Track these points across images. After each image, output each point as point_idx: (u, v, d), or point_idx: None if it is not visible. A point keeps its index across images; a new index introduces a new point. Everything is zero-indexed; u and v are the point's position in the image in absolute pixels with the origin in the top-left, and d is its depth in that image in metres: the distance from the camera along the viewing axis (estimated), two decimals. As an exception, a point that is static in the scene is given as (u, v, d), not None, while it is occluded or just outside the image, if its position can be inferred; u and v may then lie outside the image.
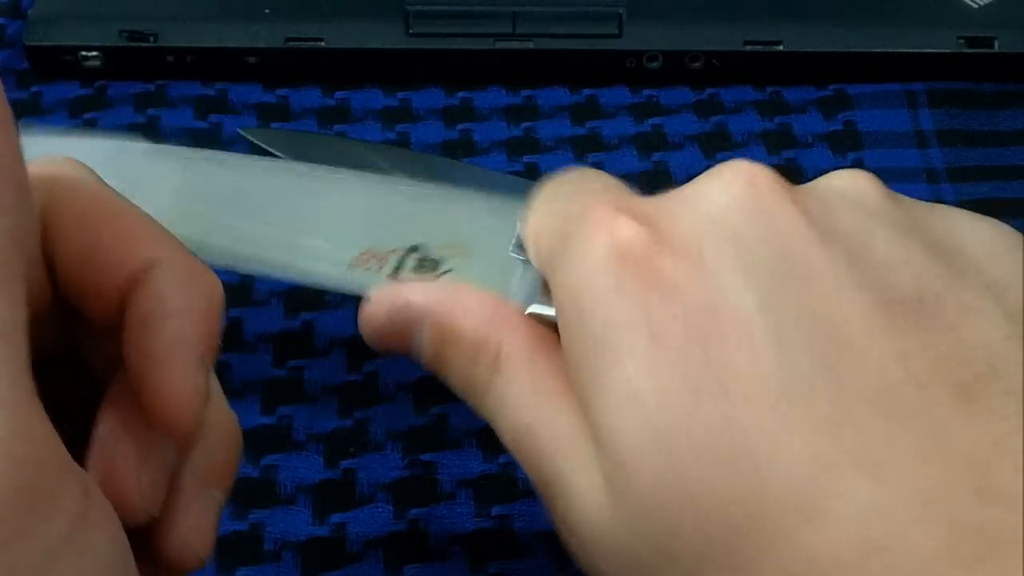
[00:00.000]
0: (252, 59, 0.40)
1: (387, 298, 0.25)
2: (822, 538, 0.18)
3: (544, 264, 0.24)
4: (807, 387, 0.19)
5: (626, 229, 0.21)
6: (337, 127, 0.40)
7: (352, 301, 0.35)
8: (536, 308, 0.24)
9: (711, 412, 0.19)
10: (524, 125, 0.40)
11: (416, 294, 0.25)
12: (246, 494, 0.31)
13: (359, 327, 0.25)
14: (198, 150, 0.30)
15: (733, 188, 0.21)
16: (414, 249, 0.27)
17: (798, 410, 0.19)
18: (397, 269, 0.26)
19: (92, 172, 0.22)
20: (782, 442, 0.19)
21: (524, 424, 0.23)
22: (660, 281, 0.21)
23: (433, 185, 0.28)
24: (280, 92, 0.41)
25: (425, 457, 0.32)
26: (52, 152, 0.22)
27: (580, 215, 0.23)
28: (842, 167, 0.38)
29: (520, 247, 0.25)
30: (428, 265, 0.26)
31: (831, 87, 0.40)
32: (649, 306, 0.20)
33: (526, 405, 0.23)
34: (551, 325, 0.24)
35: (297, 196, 0.28)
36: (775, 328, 0.20)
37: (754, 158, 0.38)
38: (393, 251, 0.27)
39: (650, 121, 0.40)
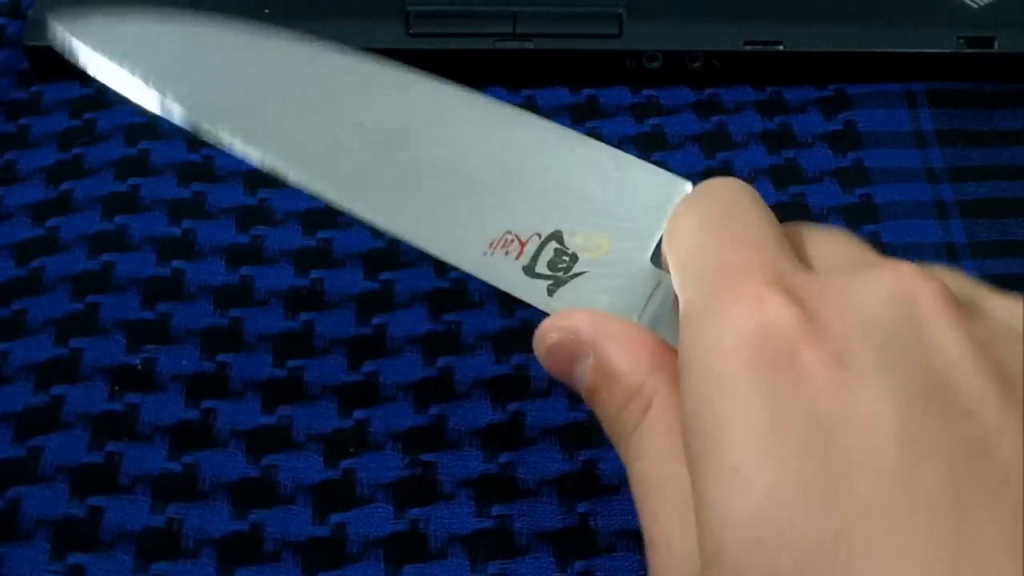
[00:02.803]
0: (252, 59, 0.40)
1: (560, 321, 0.25)
2: None
3: (683, 301, 0.23)
4: (931, 519, 0.18)
5: (777, 312, 0.21)
6: (337, 127, 0.40)
7: (352, 302, 0.35)
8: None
9: (819, 521, 0.19)
10: (524, 125, 0.40)
11: (586, 324, 0.24)
12: (246, 494, 0.31)
13: (533, 344, 0.25)
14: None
15: (897, 298, 0.21)
16: (554, 236, 0.26)
17: (917, 540, 0.18)
18: (533, 259, 0.25)
19: None
20: (893, 571, 0.18)
21: (653, 478, 0.22)
22: (796, 373, 0.20)
23: (590, 147, 0.26)
24: (280, 92, 0.41)
25: (425, 457, 0.32)
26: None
27: (733, 275, 0.22)
28: (842, 167, 0.39)
29: (659, 256, 0.25)
30: (564, 262, 0.25)
31: (831, 87, 0.40)
32: (777, 395, 0.20)
33: (660, 460, 0.23)
34: None
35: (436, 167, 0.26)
36: (911, 456, 0.19)
37: (754, 158, 0.39)
38: (535, 235, 0.26)
39: (650, 121, 0.40)
